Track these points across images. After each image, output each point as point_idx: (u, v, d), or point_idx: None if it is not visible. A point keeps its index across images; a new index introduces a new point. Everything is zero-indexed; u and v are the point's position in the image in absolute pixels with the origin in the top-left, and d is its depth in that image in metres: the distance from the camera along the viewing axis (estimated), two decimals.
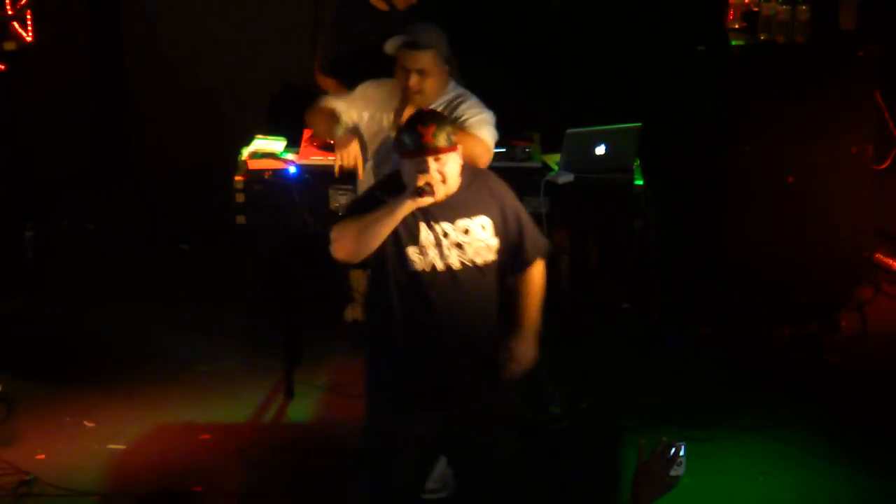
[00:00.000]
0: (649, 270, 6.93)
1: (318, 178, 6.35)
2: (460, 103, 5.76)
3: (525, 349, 4.89)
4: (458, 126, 5.54)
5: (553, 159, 6.60)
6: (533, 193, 6.19)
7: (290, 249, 6.84)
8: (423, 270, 4.70)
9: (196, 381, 6.94)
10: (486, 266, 4.77)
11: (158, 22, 8.72)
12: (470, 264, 4.73)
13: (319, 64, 7.04)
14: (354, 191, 6.21)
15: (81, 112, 8.83)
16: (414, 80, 5.65)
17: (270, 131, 7.02)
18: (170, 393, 6.81)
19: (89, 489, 5.96)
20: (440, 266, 4.71)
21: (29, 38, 8.19)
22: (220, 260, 8.26)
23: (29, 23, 8.18)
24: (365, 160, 6.04)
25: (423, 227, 4.70)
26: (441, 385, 4.79)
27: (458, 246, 4.72)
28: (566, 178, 6.45)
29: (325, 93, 6.84)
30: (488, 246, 4.76)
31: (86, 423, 6.52)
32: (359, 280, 7.11)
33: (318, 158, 6.52)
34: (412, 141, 4.65)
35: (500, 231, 4.78)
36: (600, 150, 6.57)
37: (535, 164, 6.54)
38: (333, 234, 4.77)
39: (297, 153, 6.67)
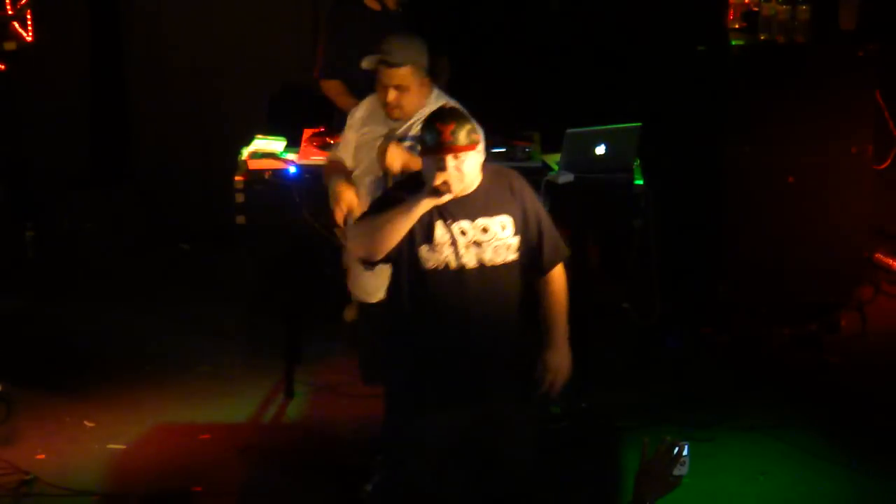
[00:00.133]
0: (649, 270, 6.93)
1: (318, 178, 6.34)
2: None
3: (560, 360, 4.90)
4: None
5: (553, 159, 6.60)
6: None
7: (290, 249, 6.84)
8: (436, 269, 4.69)
9: (196, 381, 6.94)
10: (506, 266, 4.74)
11: (158, 22, 8.72)
12: (488, 264, 4.71)
13: (319, 68, 7.05)
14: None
15: (81, 112, 8.83)
16: (392, 95, 5.61)
17: (270, 131, 7.02)
18: (170, 393, 6.81)
19: (89, 489, 5.95)
20: (454, 265, 4.69)
21: (29, 38, 8.19)
22: (220, 260, 8.26)
23: (29, 23, 8.18)
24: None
25: (439, 225, 4.69)
26: (456, 385, 4.77)
27: (477, 244, 4.70)
28: (566, 178, 6.44)
29: (323, 99, 6.87)
30: (508, 245, 4.74)
31: (86, 423, 6.52)
32: None
33: (318, 158, 6.51)
34: (431, 138, 4.64)
35: (521, 230, 4.76)
36: (600, 150, 6.57)
37: (535, 164, 6.54)
38: (352, 233, 4.79)
39: (297, 153, 6.67)
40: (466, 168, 4.64)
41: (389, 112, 5.65)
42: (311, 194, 6.37)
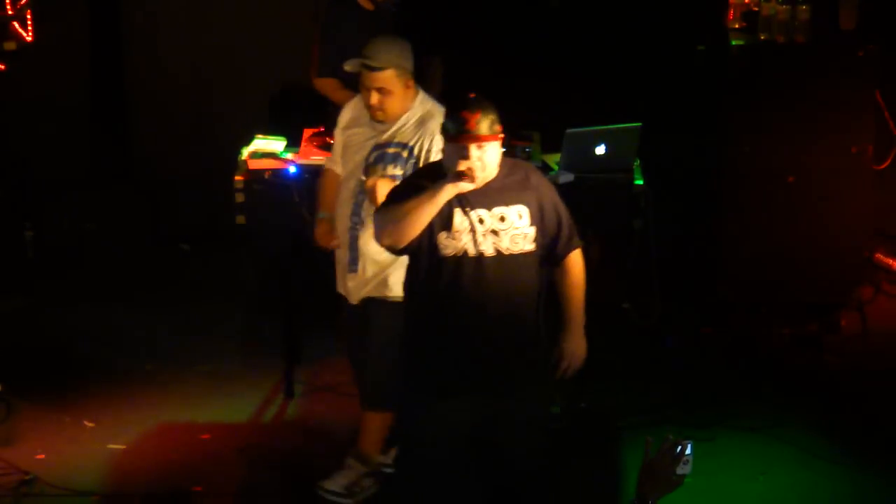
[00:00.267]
0: (649, 270, 6.93)
1: (318, 178, 6.35)
2: (429, 131, 5.61)
3: (575, 347, 4.97)
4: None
5: (553, 159, 6.60)
6: None
7: (290, 249, 6.84)
8: (455, 256, 4.71)
9: (196, 381, 6.94)
10: (523, 256, 4.77)
11: (158, 22, 8.72)
12: (505, 252, 4.73)
13: (315, 67, 7.05)
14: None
15: (81, 112, 8.83)
16: (375, 98, 5.60)
17: (270, 131, 7.02)
18: (170, 393, 6.81)
19: (89, 489, 5.95)
20: (472, 252, 4.71)
21: (29, 38, 8.19)
22: (220, 260, 8.26)
23: (29, 23, 8.18)
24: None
25: (457, 212, 4.71)
26: (471, 372, 4.79)
27: (494, 233, 4.72)
28: (566, 178, 6.44)
29: (322, 98, 6.86)
30: (525, 234, 4.76)
31: (86, 423, 6.52)
32: None
33: (318, 158, 6.52)
34: (455, 127, 4.66)
35: (537, 220, 4.79)
36: (600, 150, 6.57)
37: (535, 164, 6.53)
38: (376, 221, 4.81)
39: (297, 153, 6.67)
40: (488, 158, 4.67)
41: (373, 115, 5.64)
42: (311, 194, 6.37)
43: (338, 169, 5.92)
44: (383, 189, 5.49)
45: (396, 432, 5.19)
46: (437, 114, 5.62)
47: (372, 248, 5.60)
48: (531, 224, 4.78)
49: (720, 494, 5.86)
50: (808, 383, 6.91)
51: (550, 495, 5.03)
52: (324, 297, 7.21)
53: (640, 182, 6.65)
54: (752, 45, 7.35)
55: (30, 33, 8.18)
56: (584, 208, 6.55)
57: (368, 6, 7.03)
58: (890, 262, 8.00)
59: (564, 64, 8.30)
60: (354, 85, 6.09)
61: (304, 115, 6.87)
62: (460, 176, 4.64)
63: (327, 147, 6.44)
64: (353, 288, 5.77)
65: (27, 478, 5.96)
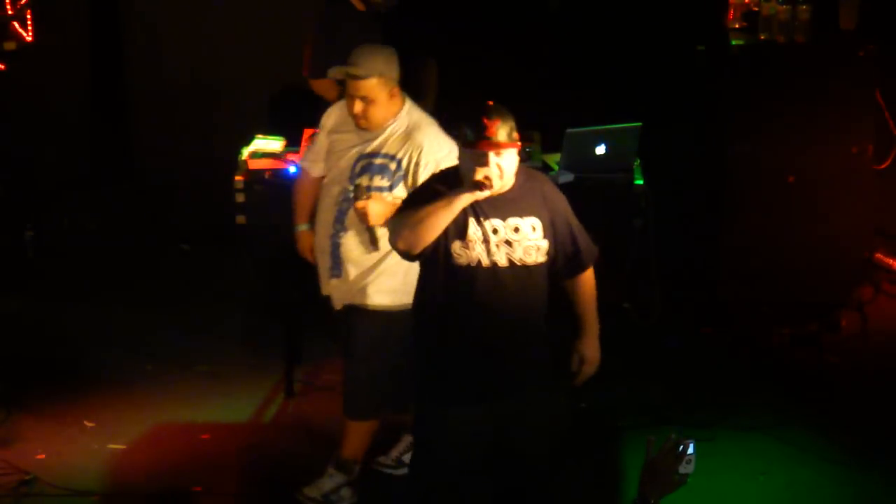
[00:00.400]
0: (649, 270, 6.93)
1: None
2: (416, 143, 5.56)
3: (593, 351, 5.03)
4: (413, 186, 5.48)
5: (553, 159, 6.61)
6: None
7: (290, 249, 6.84)
8: (468, 265, 4.71)
9: (196, 381, 6.94)
10: (535, 267, 4.77)
11: (158, 22, 8.72)
12: (518, 263, 4.73)
13: (308, 68, 7.06)
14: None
15: (81, 112, 8.84)
16: (358, 107, 5.54)
17: (270, 131, 7.02)
18: (170, 393, 6.81)
19: (89, 489, 5.95)
20: (485, 262, 4.71)
21: (29, 38, 8.20)
22: (220, 260, 8.26)
23: (29, 23, 8.19)
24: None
25: (472, 222, 4.71)
26: (483, 381, 4.80)
27: (508, 244, 4.72)
28: (566, 177, 6.45)
29: (321, 99, 6.86)
30: (538, 247, 4.76)
31: (86, 423, 6.52)
32: None
33: None
34: (474, 133, 4.65)
35: (550, 234, 4.79)
36: (600, 150, 6.57)
37: (535, 164, 6.54)
38: (392, 226, 4.81)
39: (297, 153, 6.67)
40: (506, 165, 4.67)
41: (357, 123, 5.60)
42: None
43: (315, 170, 5.86)
44: (375, 209, 5.47)
45: (412, 437, 5.19)
46: (426, 125, 5.61)
47: (354, 255, 5.61)
48: (544, 237, 4.78)
49: (720, 494, 5.86)
50: (808, 383, 6.91)
51: (561, 498, 5.04)
52: (324, 297, 7.22)
53: (640, 182, 6.65)
54: (752, 45, 7.35)
55: (30, 33, 8.19)
56: (583, 208, 6.56)
57: (360, 6, 7.04)
58: (890, 261, 8.00)
59: (564, 64, 8.30)
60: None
61: (304, 115, 6.86)
62: (478, 184, 4.64)
63: None
64: (336, 293, 5.74)
65: (27, 478, 5.96)
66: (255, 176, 6.73)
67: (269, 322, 7.21)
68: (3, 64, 8.12)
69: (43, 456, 6.20)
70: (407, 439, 6.02)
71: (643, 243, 6.76)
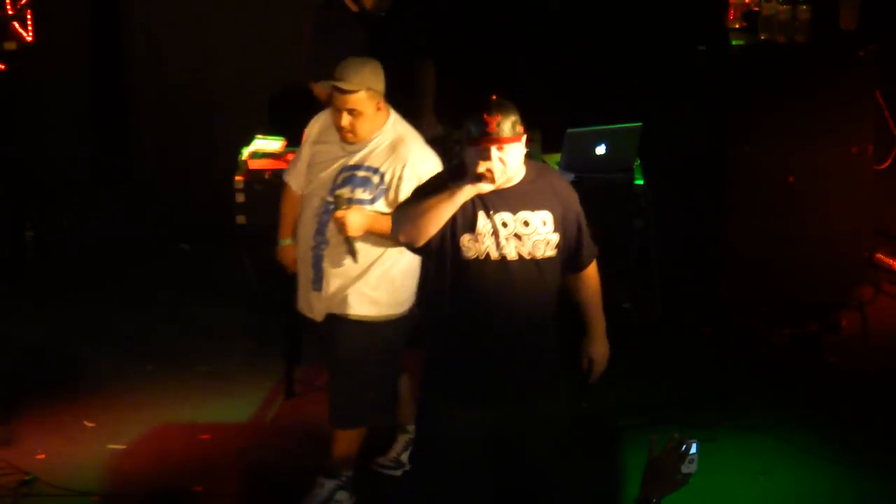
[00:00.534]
0: (649, 270, 6.93)
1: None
2: (400, 157, 5.52)
3: (602, 351, 5.07)
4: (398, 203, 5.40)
5: (553, 159, 6.61)
6: None
7: None
8: (477, 258, 4.71)
9: (196, 381, 6.94)
10: (545, 262, 4.77)
11: (158, 22, 8.72)
12: (528, 257, 4.74)
13: (306, 72, 7.07)
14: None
15: (81, 112, 8.84)
16: (346, 120, 5.50)
17: (270, 131, 7.02)
18: (170, 393, 6.81)
19: (89, 489, 5.95)
20: (495, 255, 4.71)
21: (29, 38, 8.20)
22: (220, 260, 8.25)
23: (29, 23, 8.19)
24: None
25: (481, 215, 4.71)
26: (491, 379, 4.80)
27: (517, 237, 4.73)
28: (566, 178, 6.44)
29: (317, 100, 6.88)
30: (548, 241, 4.76)
31: (86, 423, 6.52)
32: None
33: None
34: (476, 129, 4.65)
35: (560, 228, 4.79)
36: (600, 150, 6.57)
37: None
38: (394, 217, 4.83)
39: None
40: (510, 159, 4.67)
41: (343, 136, 5.55)
42: None
43: (295, 183, 5.80)
44: (353, 219, 5.45)
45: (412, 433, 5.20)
46: (410, 139, 5.58)
47: (335, 267, 5.56)
48: (555, 231, 4.78)
49: (720, 494, 5.86)
50: (808, 383, 6.91)
51: (570, 498, 5.04)
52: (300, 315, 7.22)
53: (640, 182, 6.65)
54: (753, 45, 7.35)
55: (30, 33, 8.19)
56: (584, 208, 6.57)
57: (353, 7, 7.05)
58: (890, 261, 8.01)
59: (565, 64, 8.30)
60: None
61: (304, 115, 6.86)
62: (480, 177, 4.64)
63: None
64: (317, 305, 5.69)
65: (27, 478, 5.96)
66: (255, 176, 6.74)
67: (269, 322, 7.20)
68: (3, 64, 8.12)
69: (43, 456, 6.20)
70: (403, 439, 6.02)
71: (643, 243, 6.77)
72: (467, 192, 4.67)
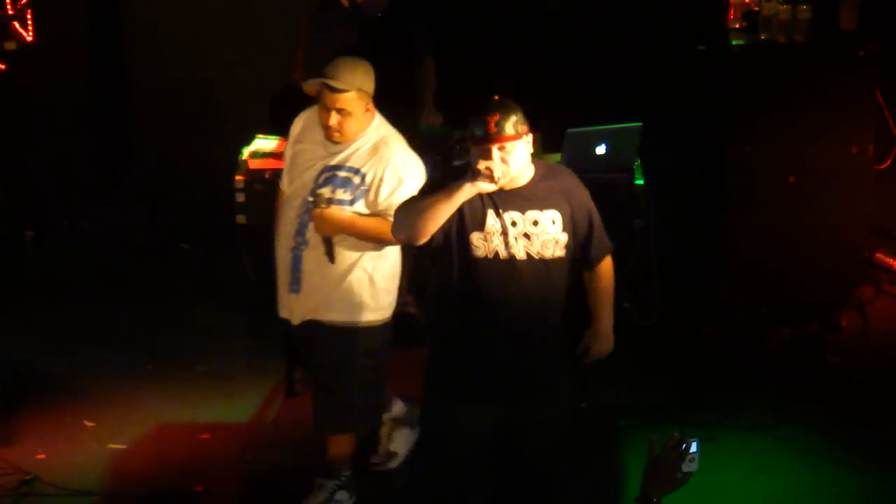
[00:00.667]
0: (649, 270, 6.93)
1: None
2: (383, 158, 5.47)
3: (605, 347, 5.08)
4: (378, 206, 5.43)
5: (553, 159, 6.60)
6: None
7: None
8: (486, 257, 4.71)
9: (196, 381, 6.94)
10: (553, 262, 4.77)
11: (158, 22, 8.72)
12: (536, 257, 4.74)
13: (301, 70, 7.07)
14: None
15: (81, 112, 8.84)
16: (334, 119, 5.45)
17: (270, 131, 7.02)
18: (170, 393, 6.81)
19: (89, 489, 5.95)
20: (503, 254, 4.71)
21: (29, 38, 8.20)
22: (220, 260, 8.25)
23: (29, 23, 8.19)
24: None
25: (490, 214, 4.71)
26: (495, 377, 4.80)
27: (526, 237, 4.73)
28: None
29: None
30: (556, 240, 4.76)
31: (86, 422, 6.52)
32: None
33: None
34: (477, 129, 4.66)
35: (569, 227, 4.79)
36: (600, 150, 6.56)
37: None
38: (395, 215, 4.83)
39: None
40: (513, 159, 4.66)
41: (330, 135, 5.50)
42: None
43: (282, 183, 5.76)
44: (330, 220, 5.41)
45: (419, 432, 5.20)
46: (393, 141, 5.54)
47: (315, 270, 5.52)
48: (563, 230, 4.78)
49: (721, 493, 5.85)
50: (808, 383, 6.91)
51: (569, 497, 5.04)
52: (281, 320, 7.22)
53: (641, 182, 6.64)
54: (753, 45, 7.35)
55: (30, 33, 8.19)
56: None
57: (344, 3, 7.06)
58: (890, 261, 8.01)
59: (565, 64, 8.30)
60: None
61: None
62: (479, 175, 4.64)
63: None
64: (296, 308, 5.64)
65: (27, 478, 5.95)
66: (255, 176, 6.73)
67: (269, 322, 7.19)
68: (3, 64, 8.12)
69: (43, 456, 6.19)
70: (385, 429, 5.98)
71: (643, 243, 6.76)
72: (467, 192, 4.67)
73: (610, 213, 6.68)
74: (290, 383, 6.76)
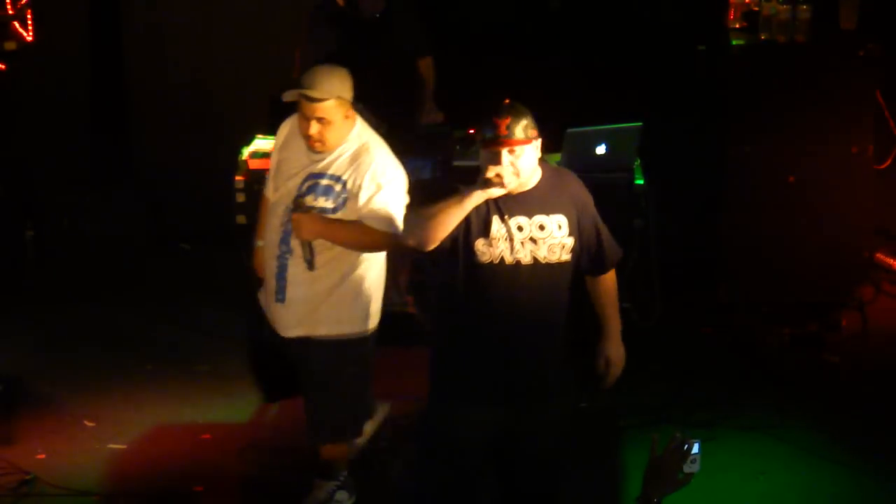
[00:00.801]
0: (650, 270, 6.93)
1: None
2: (363, 165, 5.41)
3: (619, 353, 5.01)
4: (359, 212, 5.38)
5: (553, 159, 6.60)
6: None
7: None
8: (491, 263, 4.70)
9: (196, 381, 6.94)
10: (559, 266, 4.76)
11: (158, 22, 8.72)
12: (542, 261, 4.73)
13: (299, 72, 7.06)
14: None
15: (81, 112, 8.84)
16: (315, 129, 5.39)
17: (270, 131, 7.01)
18: (170, 393, 6.81)
19: (89, 489, 5.95)
20: (509, 260, 4.70)
21: (29, 38, 8.20)
22: (221, 260, 8.25)
23: (29, 23, 8.19)
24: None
25: (495, 219, 4.70)
26: (499, 382, 4.79)
27: (532, 241, 4.72)
28: None
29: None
30: (563, 245, 4.76)
31: (86, 422, 6.52)
32: None
33: None
34: (487, 132, 4.65)
35: (575, 232, 4.79)
36: (600, 150, 6.57)
37: None
38: (406, 221, 4.83)
39: None
40: (522, 163, 4.65)
41: (311, 145, 5.44)
42: None
43: (267, 189, 5.71)
44: (308, 224, 5.39)
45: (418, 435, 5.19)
46: (374, 147, 5.49)
47: (299, 279, 5.47)
48: (570, 234, 4.77)
49: (720, 493, 5.86)
50: (808, 383, 6.91)
51: (565, 498, 5.04)
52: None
53: (641, 182, 6.64)
54: (753, 45, 7.36)
55: (30, 33, 8.19)
56: None
57: (339, 2, 7.06)
58: (890, 261, 8.01)
59: (565, 64, 8.30)
60: None
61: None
62: (490, 181, 4.63)
63: None
64: (282, 321, 5.59)
65: (27, 478, 5.95)
66: (255, 176, 6.73)
67: (269, 322, 7.19)
68: (3, 64, 8.12)
69: (43, 456, 6.19)
70: (369, 430, 5.98)
71: (643, 243, 6.76)
72: (477, 197, 4.66)
73: (610, 213, 6.72)
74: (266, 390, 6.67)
